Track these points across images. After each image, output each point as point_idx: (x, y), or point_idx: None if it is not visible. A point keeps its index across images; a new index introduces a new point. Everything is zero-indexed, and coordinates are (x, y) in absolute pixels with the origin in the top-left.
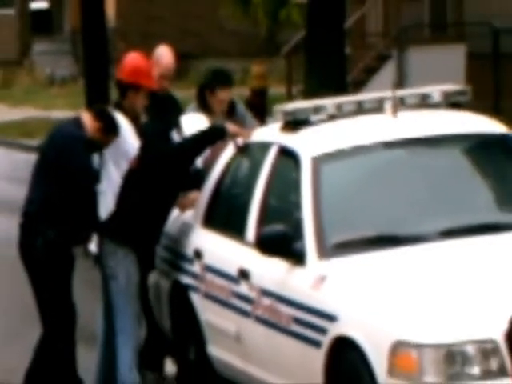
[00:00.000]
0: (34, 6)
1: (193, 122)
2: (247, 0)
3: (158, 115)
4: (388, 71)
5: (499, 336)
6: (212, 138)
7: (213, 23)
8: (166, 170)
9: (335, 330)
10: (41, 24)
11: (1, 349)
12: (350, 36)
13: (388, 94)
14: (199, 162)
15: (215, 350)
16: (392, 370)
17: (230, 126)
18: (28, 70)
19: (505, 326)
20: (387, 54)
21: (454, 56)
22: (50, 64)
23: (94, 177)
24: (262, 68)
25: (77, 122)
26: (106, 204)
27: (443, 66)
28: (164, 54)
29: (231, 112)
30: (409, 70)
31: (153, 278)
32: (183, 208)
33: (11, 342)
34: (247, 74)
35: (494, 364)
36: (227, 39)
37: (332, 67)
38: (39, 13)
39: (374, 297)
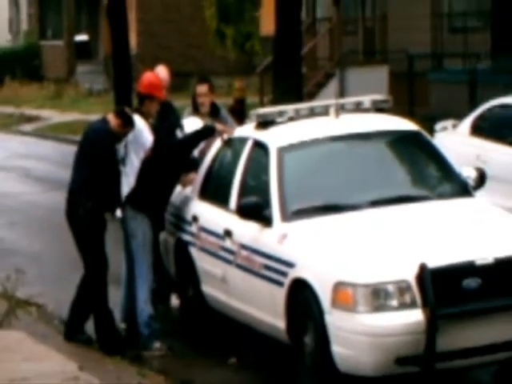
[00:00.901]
0: (77, 38)
1: (191, 123)
2: (224, 34)
3: (164, 118)
4: (333, 86)
5: (411, 277)
6: (205, 134)
7: (206, 51)
8: (172, 158)
9: (293, 273)
10: (82, 52)
11: (53, 288)
12: (305, 59)
13: (332, 102)
14: (196, 151)
15: (207, 289)
16: (334, 303)
17: (218, 126)
18: (73, 86)
19: (415, 270)
20: (332, 72)
21: (380, 74)
22: (89, 81)
23: (117, 160)
24: (241, 83)
25: (104, 120)
26: (128, 182)
27: (372, 82)
28: (161, 71)
29: (216, 114)
30: (347, 84)
31: (162, 236)
32: (184, 185)
33: (61, 283)
34: (231, 88)
35: (407, 298)
36: (217, 62)
37: (292, 83)
38: (81, 43)
39: (321, 249)
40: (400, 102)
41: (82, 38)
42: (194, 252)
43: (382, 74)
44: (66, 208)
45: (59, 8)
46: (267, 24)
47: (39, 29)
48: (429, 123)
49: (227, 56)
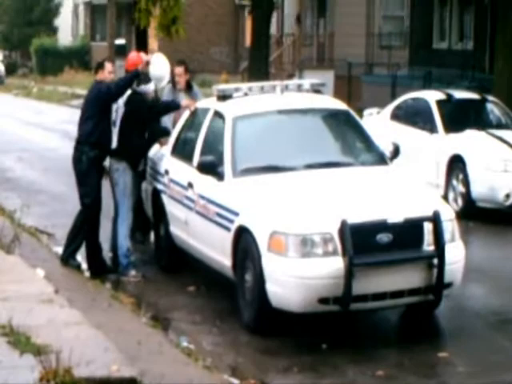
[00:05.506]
0: (117, 41)
1: (157, 58)
2: (150, 12)
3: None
4: None
5: (335, 231)
6: (172, 107)
7: (207, 55)
8: (141, 119)
9: (238, 221)
10: (120, 51)
11: (58, 215)
12: (274, 63)
13: (278, 82)
14: (169, 122)
15: (174, 229)
16: (269, 248)
17: (184, 102)
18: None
19: (338, 225)
20: (293, 73)
21: (327, 76)
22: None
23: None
24: (225, 76)
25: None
26: (115, 140)
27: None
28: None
29: (190, 90)
30: None
31: (143, 185)
32: (161, 145)
33: (61, 214)
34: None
35: (330, 247)
36: (215, 64)
37: (262, 80)
38: (119, 46)
39: (262, 202)
40: (340, 97)
41: (120, 41)
42: (165, 199)
43: (329, 76)
44: (73, 155)
45: (105, 19)
46: (247, 37)
47: (90, 34)
48: (360, 113)
49: (221, 60)
